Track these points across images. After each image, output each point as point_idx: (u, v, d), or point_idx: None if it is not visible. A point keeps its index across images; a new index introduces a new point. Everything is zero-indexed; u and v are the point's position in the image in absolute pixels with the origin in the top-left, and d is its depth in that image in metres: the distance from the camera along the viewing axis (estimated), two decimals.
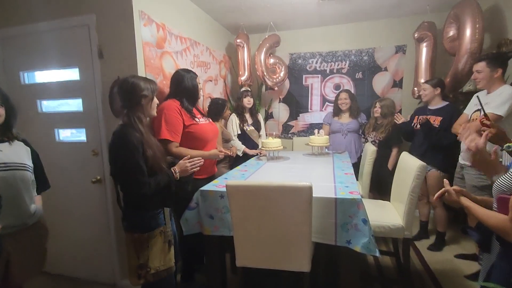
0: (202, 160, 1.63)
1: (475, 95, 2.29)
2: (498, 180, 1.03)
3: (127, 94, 1.43)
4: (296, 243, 1.50)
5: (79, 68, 2.12)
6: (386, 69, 3.55)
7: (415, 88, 3.10)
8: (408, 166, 1.94)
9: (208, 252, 1.88)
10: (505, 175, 1.01)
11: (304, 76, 3.86)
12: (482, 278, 1.11)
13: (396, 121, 2.91)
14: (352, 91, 3.39)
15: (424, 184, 2.56)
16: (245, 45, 3.52)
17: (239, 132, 3.03)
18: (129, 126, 1.40)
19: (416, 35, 3.04)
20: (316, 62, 3.79)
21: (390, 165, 2.93)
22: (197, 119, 1.97)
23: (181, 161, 1.56)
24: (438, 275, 2.23)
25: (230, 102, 3.59)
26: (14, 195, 1.32)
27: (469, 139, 1.14)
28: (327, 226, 1.57)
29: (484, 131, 1.21)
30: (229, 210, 1.58)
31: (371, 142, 3.01)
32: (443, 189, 1.22)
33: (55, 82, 2.23)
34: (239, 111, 3.09)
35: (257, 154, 2.92)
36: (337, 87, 3.74)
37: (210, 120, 2.18)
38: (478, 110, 2.14)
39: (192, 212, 1.78)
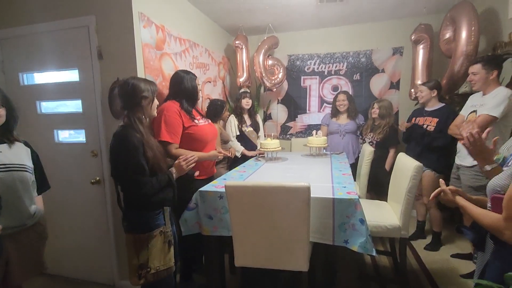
0: (196, 156, 1.63)
1: (470, 97, 2.33)
2: (492, 180, 1.05)
3: (127, 96, 1.44)
4: (294, 243, 1.52)
5: (78, 69, 2.13)
6: (383, 71, 3.58)
7: (412, 90, 3.13)
8: (405, 166, 1.97)
9: (206, 252, 1.89)
10: (499, 175, 1.04)
11: (302, 77, 3.89)
12: (477, 276, 1.13)
13: (402, 129, 2.88)
14: (350, 93, 3.42)
15: (420, 184, 2.59)
16: (243, 46, 3.54)
17: (238, 133, 3.04)
18: (130, 127, 1.42)
19: (413, 37, 3.07)
20: (314, 64, 3.82)
21: (387, 166, 2.96)
22: (196, 121, 1.98)
23: (175, 162, 1.57)
24: (434, 274, 2.26)
25: (229, 103, 3.60)
26: (14, 196, 1.33)
27: (472, 127, 1.20)
28: (325, 226, 1.58)
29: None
30: (228, 211, 1.59)
31: (369, 143, 3.03)
32: (439, 188, 1.24)
33: (55, 83, 2.23)
34: (238, 112, 3.11)
35: (256, 155, 2.94)
36: (335, 88, 3.76)
37: (210, 121, 2.20)
38: (474, 111, 2.17)
39: (191, 212, 1.79)
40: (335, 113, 3.29)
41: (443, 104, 2.62)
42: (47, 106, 2.33)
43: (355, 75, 3.69)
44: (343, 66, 3.72)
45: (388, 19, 3.43)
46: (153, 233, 1.43)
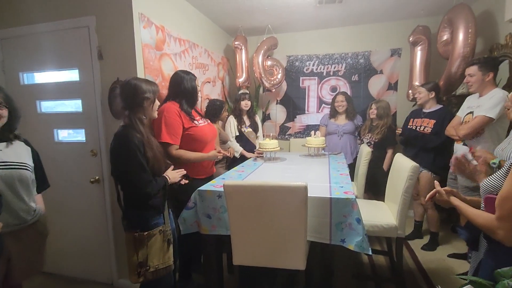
0: (183, 170, 1.68)
1: (467, 98, 2.35)
2: (485, 181, 1.07)
3: (129, 96, 1.45)
4: (291, 242, 1.53)
5: (78, 69, 2.14)
6: (381, 72, 3.61)
7: (410, 91, 3.15)
8: (402, 167, 1.99)
9: (205, 251, 1.91)
10: (492, 176, 1.06)
11: (301, 78, 3.90)
12: (471, 274, 1.15)
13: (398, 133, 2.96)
14: (348, 93, 3.44)
15: (418, 185, 2.62)
16: (243, 47, 3.55)
17: (237, 134, 3.06)
18: (130, 127, 1.43)
19: (411, 39, 3.09)
20: (313, 65, 3.84)
21: (385, 166, 2.98)
22: (196, 121, 1.99)
23: (172, 171, 1.61)
24: (430, 273, 2.28)
25: (228, 103, 3.62)
26: (14, 194, 1.34)
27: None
28: (322, 225, 1.60)
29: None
30: (226, 210, 1.61)
31: (367, 143, 3.05)
32: (434, 189, 1.26)
33: (55, 83, 2.24)
34: (237, 113, 3.12)
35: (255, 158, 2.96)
36: (333, 89, 3.78)
37: (209, 121, 2.21)
38: (471, 112, 2.19)
39: (190, 211, 1.81)
40: (334, 113, 3.31)
41: (441, 106, 2.65)
42: (47, 106, 2.34)
43: (353, 76, 3.71)
44: (341, 67, 3.74)
45: (387, 20, 3.45)
46: (153, 232, 1.45)
